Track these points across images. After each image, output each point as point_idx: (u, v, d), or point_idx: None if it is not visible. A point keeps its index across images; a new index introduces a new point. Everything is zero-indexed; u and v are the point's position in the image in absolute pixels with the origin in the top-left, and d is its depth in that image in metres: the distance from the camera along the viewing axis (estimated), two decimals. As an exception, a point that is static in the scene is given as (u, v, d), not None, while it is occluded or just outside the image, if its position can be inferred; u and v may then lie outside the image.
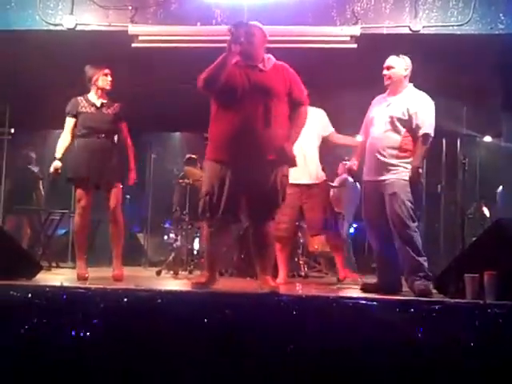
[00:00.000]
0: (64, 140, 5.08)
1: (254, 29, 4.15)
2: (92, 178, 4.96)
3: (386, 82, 4.53)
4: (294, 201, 5.22)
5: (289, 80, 4.18)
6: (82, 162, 4.98)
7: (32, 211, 7.40)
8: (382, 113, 4.53)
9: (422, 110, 4.43)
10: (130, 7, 5.86)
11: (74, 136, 5.07)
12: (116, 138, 5.13)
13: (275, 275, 5.09)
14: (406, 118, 4.40)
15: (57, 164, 5.02)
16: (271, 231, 4.27)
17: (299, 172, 5.14)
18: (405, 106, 4.42)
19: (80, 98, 5.11)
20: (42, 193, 7.98)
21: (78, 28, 5.91)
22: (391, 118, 4.44)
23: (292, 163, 4.22)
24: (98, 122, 5.03)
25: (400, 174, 4.40)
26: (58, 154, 5.05)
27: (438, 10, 5.72)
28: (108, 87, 5.11)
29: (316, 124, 5.28)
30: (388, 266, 4.52)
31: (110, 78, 5.10)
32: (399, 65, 4.50)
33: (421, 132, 4.39)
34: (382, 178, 4.45)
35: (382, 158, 4.47)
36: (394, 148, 4.43)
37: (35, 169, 8.08)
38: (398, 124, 4.43)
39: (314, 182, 5.33)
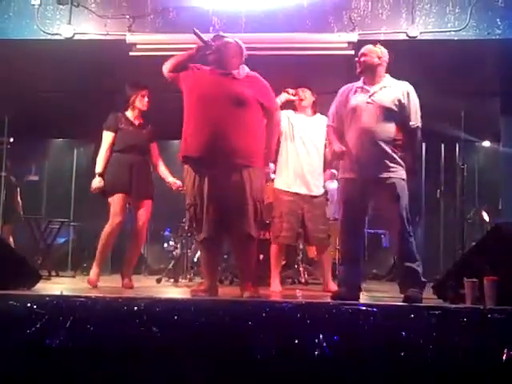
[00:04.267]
0: (104, 155, 5.13)
1: (228, 41, 4.32)
2: (128, 193, 5.08)
3: (357, 70, 4.32)
4: (295, 209, 5.23)
5: (260, 89, 4.30)
6: (120, 177, 5.07)
7: (20, 219, 7.37)
8: (367, 102, 4.24)
9: (412, 100, 4.23)
10: (128, 16, 5.88)
11: (112, 151, 5.14)
12: (148, 156, 5.28)
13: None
14: (397, 109, 4.20)
15: (100, 181, 5.06)
16: (252, 243, 4.29)
17: (300, 181, 5.24)
18: (394, 96, 4.21)
19: (120, 115, 5.21)
20: (19, 201, 7.92)
21: (76, 37, 5.93)
22: (382, 107, 4.19)
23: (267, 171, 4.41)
24: (136, 140, 5.16)
25: (399, 172, 4.17)
26: (99, 168, 5.10)
27: (435, 15, 5.73)
28: (144, 108, 5.24)
29: (321, 132, 5.22)
30: (355, 271, 4.32)
31: (146, 99, 5.22)
32: (371, 53, 4.30)
33: (413, 125, 4.21)
34: (381, 176, 4.17)
35: (377, 153, 4.17)
36: (388, 141, 4.18)
37: (11, 177, 8.04)
38: (389, 115, 4.19)
39: (314, 193, 5.28)
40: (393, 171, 4.18)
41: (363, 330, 2.98)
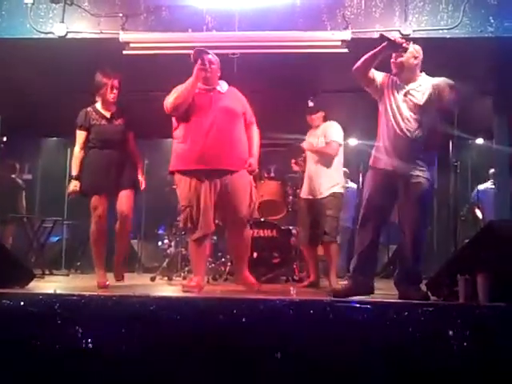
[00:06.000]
0: (78, 155, 5.01)
1: (211, 59, 4.62)
2: (107, 188, 4.94)
3: (394, 71, 4.29)
4: (304, 210, 5.64)
5: (242, 102, 4.71)
6: (96, 173, 4.94)
7: (20, 220, 7.35)
8: (403, 100, 4.24)
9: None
10: (121, 14, 5.86)
11: (85, 148, 5.02)
12: (126, 147, 5.10)
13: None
14: (430, 107, 4.19)
15: (76, 184, 4.93)
16: (246, 233, 4.72)
17: (305, 187, 5.66)
18: (428, 95, 4.20)
19: (89, 110, 5.06)
20: (24, 203, 7.92)
21: (69, 36, 5.90)
22: (417, 106, 4.18)
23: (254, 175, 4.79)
24: (111, 134, 5.01)
25: (426, 172, 4.18)
26: (75, 171, 4.97)
27: (428, 13, 5.74)
28: (112, 100, 5.04)
29: (320, 138, 5.63)
30: (369, 266, 4.32)
31: (115, 91, 5.03)
32: (408, 53, 4.25)
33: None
34: (411, 173, 4.17)
35: (410, 150, 4.18)
36: (419, 140, 4.18)
37: (19, 180, 8.03)
38: (422, 114, 4.18)
39: (318, 197, 5.53)
40: (422, 170, 4.19)
41: (357, 327, 2.99)
